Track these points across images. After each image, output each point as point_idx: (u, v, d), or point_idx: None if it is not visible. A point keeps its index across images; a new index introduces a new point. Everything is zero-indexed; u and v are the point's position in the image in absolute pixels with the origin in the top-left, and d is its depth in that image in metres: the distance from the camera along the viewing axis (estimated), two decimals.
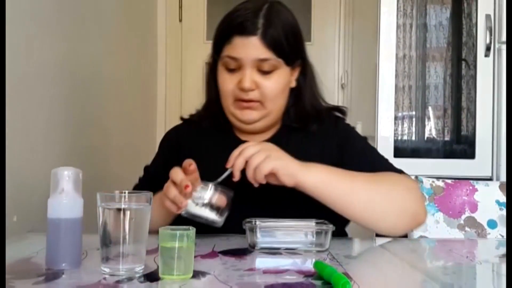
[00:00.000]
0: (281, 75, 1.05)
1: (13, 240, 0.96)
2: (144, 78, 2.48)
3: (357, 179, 0.99)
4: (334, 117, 1.15)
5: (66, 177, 0.75)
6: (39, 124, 1.29)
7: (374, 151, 1.14)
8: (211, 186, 0.93)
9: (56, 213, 0.75)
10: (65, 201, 0.75)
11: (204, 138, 1.14)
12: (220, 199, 0.92)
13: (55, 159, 1.35)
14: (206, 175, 1.04)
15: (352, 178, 0.98)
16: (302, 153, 1.06)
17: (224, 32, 1.04)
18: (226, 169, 0.96)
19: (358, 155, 1.09)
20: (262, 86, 1.03)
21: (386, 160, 1.12)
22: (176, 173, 0.92)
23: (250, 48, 1.01)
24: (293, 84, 1.10)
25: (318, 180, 0.95)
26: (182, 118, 1.21)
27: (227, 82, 1.04)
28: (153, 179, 1.13)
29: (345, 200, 0.97)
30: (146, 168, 1.20)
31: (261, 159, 0.91)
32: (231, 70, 1.03)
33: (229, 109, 1.07)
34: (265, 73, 1.03)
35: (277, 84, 1.04)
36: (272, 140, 1.10)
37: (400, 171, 1.08)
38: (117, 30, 1.96)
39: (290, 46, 1.05)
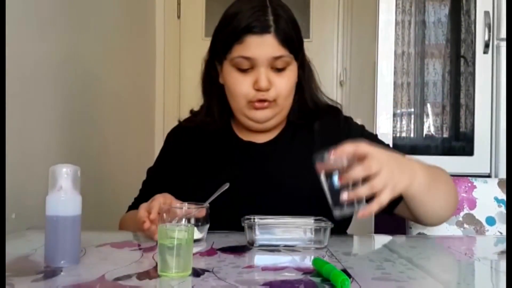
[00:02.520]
0: (292, 71, 1.04)
1: (11, 237, 0.96)
2: (143, 75, 2.48)
3: (435, 177, 0.97)
4: (341, 115, 1.14)
5: (65, 174, 0.75)
6: (37, 122, 1.29)
7: (391, 148, 1.13)
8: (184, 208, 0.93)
9: (54, 210, 0.75)
10: (64, 198, 0.75)
11: (207, 140, 1.13)
12: (199, 214, 0.92)
13: (53, 156, 1.35)
14: (209, 178, 1.06)
15: (432, 175, 0.95)
16: (307, 151, 1.06)
17: (234, 32, 1.00)
18: (221, 183, 0.96)
19: None
20: (276, 84, 1.01)
21: (406, 155, 1.11)
22: (140, 211, 0.93)
23: (265, 46, 0.99)
24: (296, 79, 1.08)
25: (422, 185, 0.91)
26: (179, 122, 1.19)
27: (241, 83, 1.01)
28: (159, 183, 1.12)
29: (429, 200, 0.96)
30: (150, 171, 1.20)
31: (384, 185, 0.80)
32: (243, 71, 1.01)
33: (242, 110, 1.04)
34: (278, 71, 1.01)
35: (290, 81, 1.03)
36: (277, 138, 1.10)
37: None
38: (115, 27, 1.95)
39: (298, 40, 1.04)
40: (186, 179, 1.09)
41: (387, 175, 0.80)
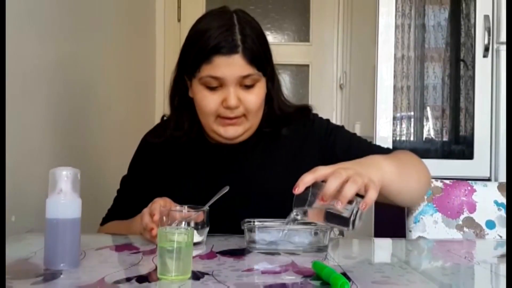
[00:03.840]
0: (261, 87, 1.05)
1: (11, 240, 0.96)
2: (143, 78, 2.48)
3: (401, 162, 1.00)
4: (307, 116, 1.14)
5: (65, 177, 0.75)
6: (37, 124, 1.29)
7: (358, 137, 1.15)
8: (184, 211, 0.93)
9: (54, 213, 0.75)
10: (63, 201, 0.75)
11: (179, 149, 1.13)
12: (198, 218, 0.92)
13: (53, 159, 1.34)
14: (187, 186, 1.07)
15: (398, 162, 0.98)
16: (272, 157, 1.08)
17: (202, 52, 1.00)
18: (218, 188, 0.97)
19: (350, 146, 1.10)
20: (245, 101, 1.02)
21: (372, 143, 1.15)
22: (145, 217, 0.93)
23: (233, 66, 0.99)
24: (265, 93, 1.08)
25: (392, 174, 0.94)
26: (148, 134, 1.19)
27: (209, 101, 1.02)
28: (134, 195, 1.13)
29: (403, 186, 0.98)
30: (124, 182, 1.19)
31: (363, 178, 0.82)
32: (212, 89, 1.01)
33: (211, 127, 1.05)
34: (247, 88, 1.02)
35: (259, 97, 1.04)
36: (241, 145, 1.10)
37: (392, 149, 1.13)
38: (115, 30, 1.96)
39: (265, 56, 1.05)
40: (162, 189, 1.08)
41: (358, 174, 0.81)
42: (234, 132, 1.04)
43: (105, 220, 1.17)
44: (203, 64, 1.00)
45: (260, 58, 1.02)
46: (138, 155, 1.19)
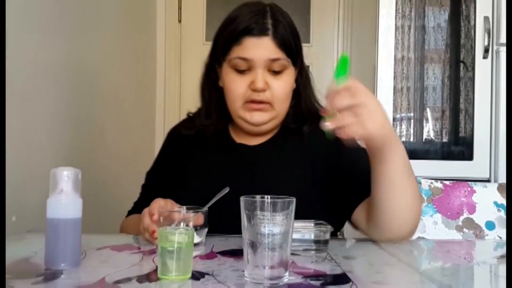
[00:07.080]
0: (289, 76, 1.05)
1: (12, 239, 0.96)
2: (143, 79, 2.48)
3: (410, 170, 0.92)
4: None
5: (65, 177, 0.75)
6: (38, 124, 1.29)
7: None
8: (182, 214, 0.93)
9: (55, 213, 0.75)
10: (64, 201, 0.75)
11: (203, 144, 1.14)
12: (197, 221, 0.92)
13: (54, 158, 1.35)
14: (204, 179, 1.08)
15: (408, 166, 0.92)
16: (297, 155, 1.07)
17: (232, 34, 1.02)
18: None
19: (356, 162, 1.04)
20: (273, 87, 1.03)
21: None
22: (145, 218, 0.93)
23: (262, 48, 1.00)
24: (294, 85, 1.10)
25: (399, 165, 0.88)
26: (178, 125, 1.21)
27: (237, 84, 1.03)
28: (157, 186, 1.13)
29: (398, 189, 0.91)
30: (148, 175, 1.21)
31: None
32: (240, 72, 1.03)
33: (237, 112, 1.06)
34: (275, 73, 1.03)
35: (286, 85, 1.05)
36: (269, 141, 1.11)
37: None
38: (116, 31, 1.96)
39: (296, 46, 1.06)
40: (181, 182, 1.10)
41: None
42: (259, 117, 1.04)
43: (129, 213, 1.19)
44: (233, 46, 1.02)
45: (290, 44, 1.03)
46: (166, 146, 1.20)
